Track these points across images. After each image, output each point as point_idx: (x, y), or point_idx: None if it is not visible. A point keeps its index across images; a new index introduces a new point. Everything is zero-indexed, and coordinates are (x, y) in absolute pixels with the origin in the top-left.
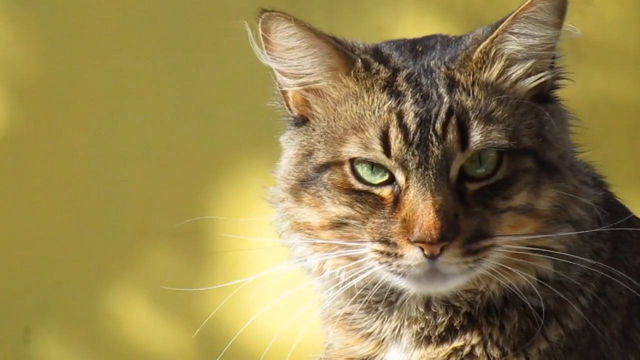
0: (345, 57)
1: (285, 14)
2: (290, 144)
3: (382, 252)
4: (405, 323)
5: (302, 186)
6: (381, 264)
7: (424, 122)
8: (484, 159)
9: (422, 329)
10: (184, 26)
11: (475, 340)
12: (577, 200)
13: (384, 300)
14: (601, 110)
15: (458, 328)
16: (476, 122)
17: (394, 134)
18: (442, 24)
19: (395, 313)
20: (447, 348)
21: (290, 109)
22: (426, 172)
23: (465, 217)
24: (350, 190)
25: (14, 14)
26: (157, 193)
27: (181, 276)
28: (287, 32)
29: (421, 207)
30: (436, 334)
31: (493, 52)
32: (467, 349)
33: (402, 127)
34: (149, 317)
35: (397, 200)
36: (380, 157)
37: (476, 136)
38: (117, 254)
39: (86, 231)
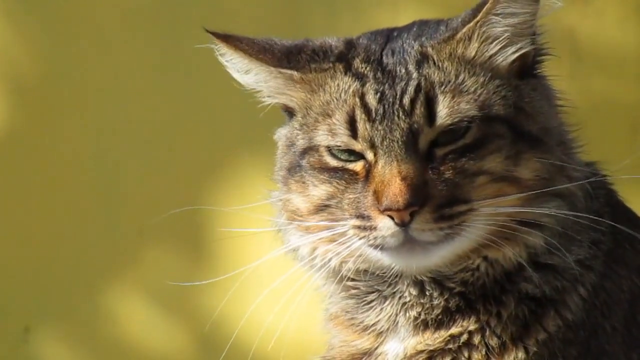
0: (281, 76)
1: (225, 39)
2: (281, 140)
3: (359, 227)
4: (401, 311)
5: (289, 174)
6: (360, 238)
7: (388, 98)
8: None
9: (419, 313)
10: (184, 26)
11: (472, 327)
12: (564, 173)
13: (375, 291)
14: (601, 110)
15: (454, 309)
16: (443, 96)
17: (359, 115)
18: None
19: (388, 301)
20: (443, 334)
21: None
22: (392, 144)
23: (436, 183)
24: (327, 169)
25: (14, 14)
26: (157, 193)
27: (181, 276)
28: (236, 60)
29: (388, 176)
30: (432, 316)
31: (476, 33)
32: (465, 336)
33: (364, 107)
34: (149, 317)
35: (368, 175)
36: (348, 142)
37: (443, 110)
38: (117, 254)
39: (86, 231)
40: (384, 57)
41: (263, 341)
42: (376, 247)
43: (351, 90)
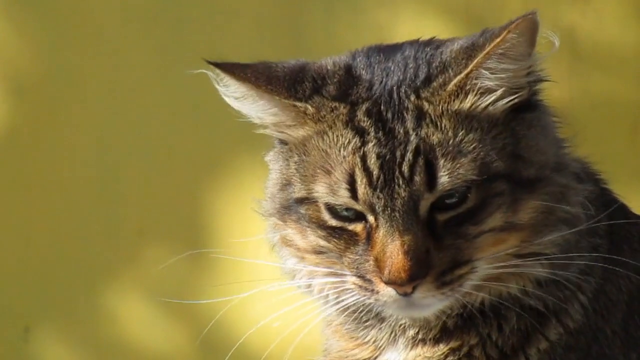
0: (295, 108)
1: (228, 70)
2: (274, 167)
3: (360, 286)
4: (398, 330)
5: (285, 212)
6: (361, 295)
7: (388, 163)
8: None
9: (416, 333)
10: (184, 26)
11: (473, 340)
12: (565, 199)
13: (375, 316)
14: (601, 110)
15: (452, 328)
16: (443, 160)
17: (359, 177)
18: (442, 23)
19: (386, 322)
20: (443, 348)
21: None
22: (393, 214)
23: (437, 250)
24: (325, 226)
25: (14, 14)
26: (157, 193)
27: (181, 276)
28: (233, 88)
29: (390, 248)
30: (430, 336)
31: (468, 86)
32: (465, 348)
33: (366, 170)
34: (149, 317)
35: (369, 237)
36: (348, 202)
37: (444, 177)
38: (117, 254)
39: (86, 231)
40: (386, 113)
41: (263, 341)
42: (378, 305)
43: (351, 147)
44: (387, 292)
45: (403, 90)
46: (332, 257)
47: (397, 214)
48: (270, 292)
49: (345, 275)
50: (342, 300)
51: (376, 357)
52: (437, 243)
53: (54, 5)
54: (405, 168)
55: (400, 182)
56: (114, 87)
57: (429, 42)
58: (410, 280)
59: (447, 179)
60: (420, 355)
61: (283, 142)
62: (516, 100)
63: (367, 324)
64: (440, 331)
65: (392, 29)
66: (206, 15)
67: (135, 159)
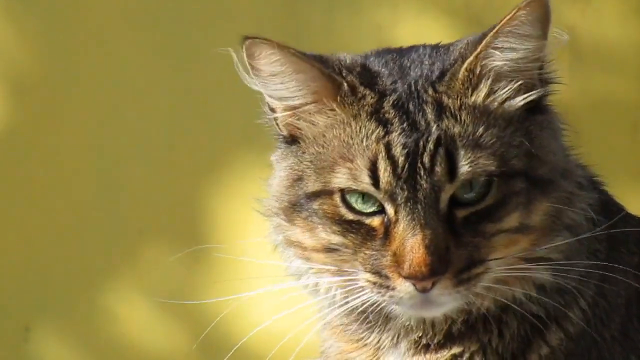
0: (331, 80)
1: (267, 40)
2: (280, 165)
3: (374, 283)
4: (402, 332)
5: (294, 209)
6: (374, 292)
7: (412, 154)
8: (474, 184)
9: (420, 337)
10: (184, 26)
11: (474, 347)
12: (571, 205)
13: (381, 316)
14: (601, 110)
15: (456, 335)
16: (464, 150)
17: (383, 166)
18: (442, 23)
19: (391, 323)
20: (445, 354)
21: (279, 128)
22: (415, 206)
23: (456, 248)
24: (341, 220)
25: (14, 14)
26: (157, 193)
27: (181, 276)
28: (271, 58)
29: (411, 242)
30: (435, 342)
31: (479, 69)
32: (467, 355)
33: (391, 159)
34: (149, 317)
35: (387, 232)
36: (370, 189)
37: (464, 167)
38: (117, 254)
39: (86, 231)
40: (408, 105)
41: (264, 341)
42: (391, 303)
43: (374, 136)
44: (404, 288)
45: (421, 85)
46: (342, 255)
47: (419, 206)
48: (271, 293)
49: (356, 273)
50: (351, 300)
51: None
52: (456, 240)
53: (54, 6)
54: (426, 159)
55: (422, 173)
56: (114, 87)
57: (440, 45)
58: (431, 275)
59: (467, 168)
60: None
61: (291, 141)
62: (529, 98)
63: (372, 325)
64: (445, 337)
65: (392, 29)
66: (206, 15)
67: (135, 159)
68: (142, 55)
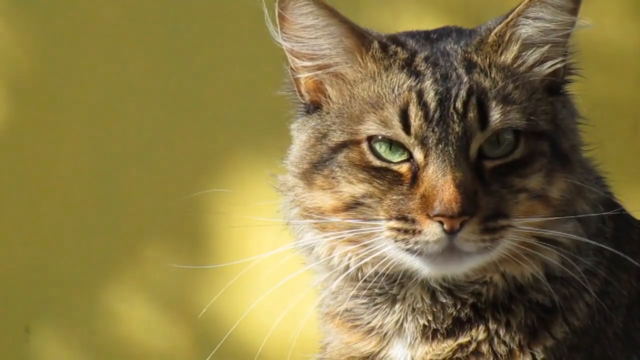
0: (362, 38)
1: None
2: (301, 130)
3: (399, 230)
4: (410, 316)
5: (315, 169)
6: (397, 241)
7: (444, 101)
8: (502, 140)
9: (429, 321)
10: (184, 25)
11: (481, 336)
12: (583, 195)
13: (387, 293)
14: (601, 110)
15: (465, 320)
16: (494, 102)
17: (414, 111)
18: (442, 23)
19: (398, 305)
20: (452, 344)
21: (301, 95)
22: (446, 148)
23: (484, 194)
24: (368, 167)
25: (14, 14)
26: (157, 193)
27: (181, 276)
28: (305, 9)
29: (441, 182)
30: (444, 326)
31: (508, 35)
32: (473, 345)
33: (423, 104)
34: (149, 317)
35: (415, 177)
36: (400, 134)
37: (495, 115)
38: (117, 254)
39: (86, 231)
40: (439, 61)
41: (260, 338)
42: (413, 252)
43: (406, 85)
44: (431, 230)
45: (451, 47)
46: (364, 209)
47: (450, 149)
48: (272, 294)
49: (379, 223)
50: (366, 264)
51: (379, 352)
52: (484, 188)
53: (54, 6)
54: (459, 104)
55: (455, 118)
56: (113, 87)
57: (464, 28)
58: (460, 214)
59: (498, 116)
60: (429, 352)
61: (313, 109)
62: (556, 66)
63: (378, 304)
64: (454, 322)
65: (392, 29)
66: (206, 15)
67: (135, 159)
68: (142, 56)
